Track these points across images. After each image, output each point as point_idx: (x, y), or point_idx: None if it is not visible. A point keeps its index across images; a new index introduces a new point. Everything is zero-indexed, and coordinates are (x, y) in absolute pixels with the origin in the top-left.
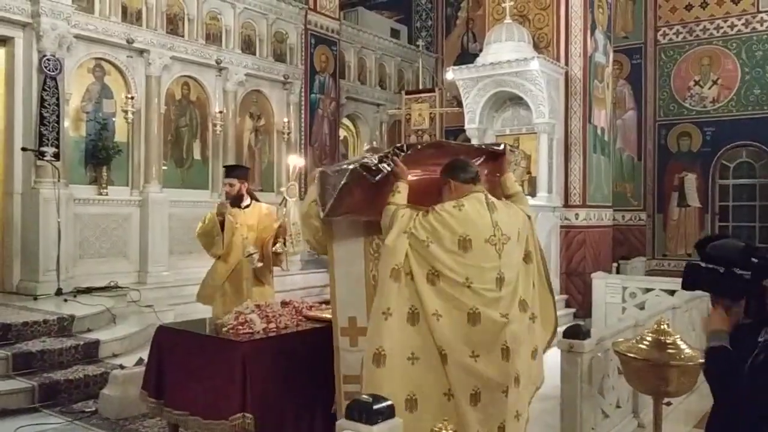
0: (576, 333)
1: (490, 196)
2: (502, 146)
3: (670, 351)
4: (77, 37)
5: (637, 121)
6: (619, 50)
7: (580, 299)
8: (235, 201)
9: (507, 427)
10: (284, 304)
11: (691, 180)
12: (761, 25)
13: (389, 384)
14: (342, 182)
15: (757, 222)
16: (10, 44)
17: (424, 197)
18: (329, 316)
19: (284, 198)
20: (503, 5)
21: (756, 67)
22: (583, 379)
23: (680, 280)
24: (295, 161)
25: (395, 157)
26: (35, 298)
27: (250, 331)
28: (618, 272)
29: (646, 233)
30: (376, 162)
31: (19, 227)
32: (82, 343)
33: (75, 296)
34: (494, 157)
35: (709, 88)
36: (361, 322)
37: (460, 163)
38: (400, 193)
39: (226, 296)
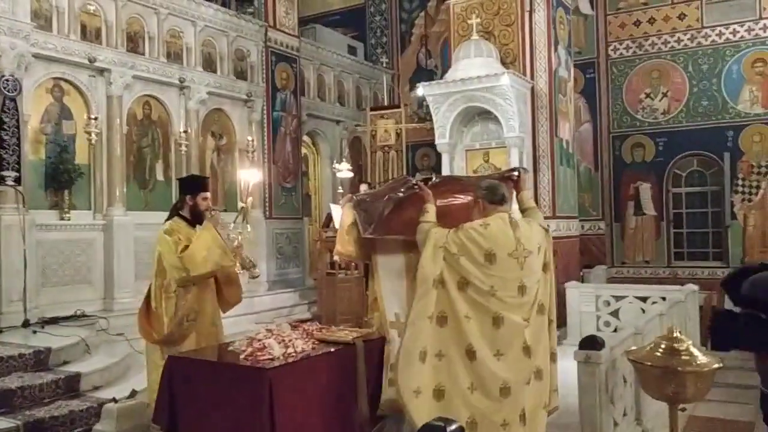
0: (592, 343)
1: (513, 215)
2: (516, 172)
3: (684, 357)
4: (35, 56)
5: (593, 133)
6: (573, 65)
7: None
8: (197, 218)
9: (528, 416)
10: (294, 327)
11: (645, 189)
12: (706, 40)
13: (425, 377)
14: (385, 212)
15: (710, 227)
16: None
17: (446, 220)
18: (341, 337)
19: (243, 212)
20: (470, 22)
21: (703, 79)
22: (601, 390)
23: (648, 285)
24: (249, 176)
25: (420, 182)
26: (1, 331)
27: (270, 356)
28: (582, 281)
29: (605, 242)
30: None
31: None
32: (62, 377)
33: (43, 327)
34: (506, 179)
35: (660, 100)
36: (402, 318)
37: (492, 187)
38: (429, 213)
39: (200, 335)
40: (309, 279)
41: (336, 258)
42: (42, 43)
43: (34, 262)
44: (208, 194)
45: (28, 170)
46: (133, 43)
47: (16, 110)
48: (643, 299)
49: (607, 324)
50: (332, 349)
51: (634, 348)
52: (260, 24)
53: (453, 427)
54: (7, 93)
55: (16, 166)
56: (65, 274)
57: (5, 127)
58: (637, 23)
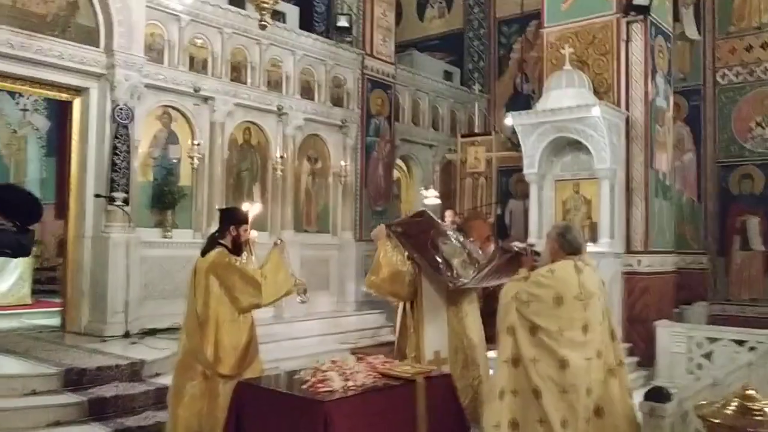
0: (659, 395)
1: (579, 262)
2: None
3: (757, 418)
4: (147, 86)
5: (696, 163)
6: (676, 92)
7: (643, 347)
8: (237, 249)
9: None
10: (359, 359)
11: (754, 223)
12: None
13: (503, 412)
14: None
15: None
16: (85, 94)
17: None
18: (403, 372)
19: (249, 245)
20: (562, 52)
21: None
22: None
23: (751, 330)
24: (252, 209)
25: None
26: (104, 340)
27: (330, 389)
28: (680, 317)
29: (707, 277)
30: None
31: (88, 270)
32: (153, 388)
33: (142, 338)
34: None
35: None
36: (443, 354)
37: (570, 235)
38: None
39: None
40: None
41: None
42: (153, 74)
43: (138, 277)
44: (248, 227)
45: (137, 191)
46: (236, 72)
47: (128, 136)
48: (740, 343)
49: (700, 367)
50: (393, 384)
51: (704, 402)
52: (357, 52)
53: None
54: (120, 121)
55: (126, 188)
56: (165, 288)
57: (117, 152)
58: (749, 48)
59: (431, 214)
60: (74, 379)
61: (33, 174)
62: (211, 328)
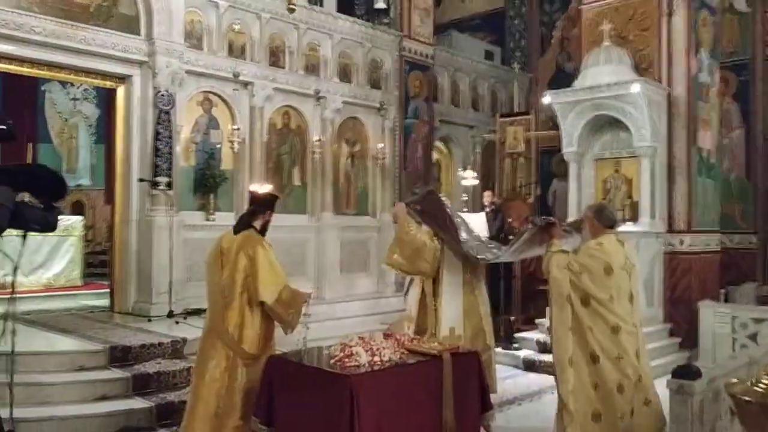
0: (686, 373)
1: (620, 236)
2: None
3: None
4: (188, 72)
5: (745, 140)
6: (724, 67)
7: (686, 328)
8: (264, 233)
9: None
10: (386, 336)
11: None
12: None
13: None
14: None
15: None
16: (128, 82)
17: None
18: (430, 349)
19: None
20: (601, 28)
21: None
22: (694, 422)
23: None
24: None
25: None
26: (149, 320)
27: (357, 363)
28: (726, 298)
29: (757, 257)
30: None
31: (134, 253)
32: (193, 365)
33: (185, 318)
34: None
35: None
36: (458, 331)
37: (607, 211)
38: (555, 245)
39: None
40: None
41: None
42: (193, 60)
43: (182, 259)
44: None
45: (180, 176)
46: (275, 57)
47: (170, 122)
48: None
49: (744, 348)
50: (419, 360)
51: (735, 380)
52: (395, 34)
53: None
54: (162, 107)
55: (168, 172)
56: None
57: (160, 137)
58: None
59: (438, 195)
60: (119, 356)
61: (84, 161)
62: (237, 307)
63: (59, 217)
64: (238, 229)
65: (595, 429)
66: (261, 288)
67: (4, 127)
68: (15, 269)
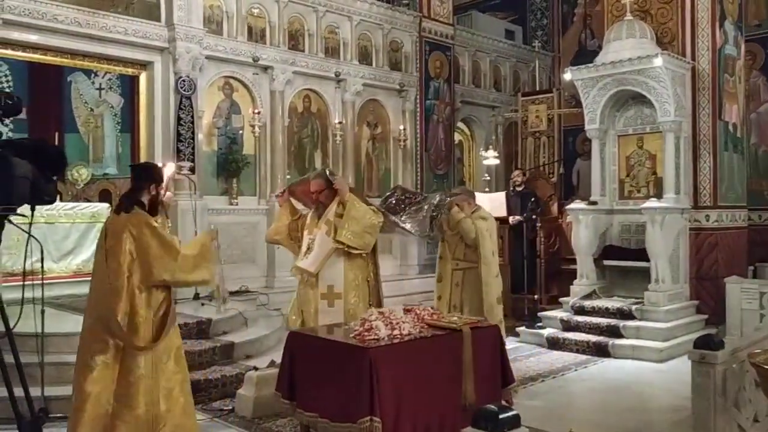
0: (707, 343)
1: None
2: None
3: None
4: (208, 57)
5: None
6: (751, 39)
7: (713, 305)
8: (154, 210)
9: None
10: (407, 311)
11: None
12: None
13: None
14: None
15: None
16: (150, 68)
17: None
18: (450, 323)
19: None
20: (623, 2)
21: None
22: (717, 392)
23: None
24: (167, 169)
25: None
26: (175, 302)
27: (376, 337)
28: (755, 275)
29: None
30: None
31: None
32: (219, 345)
33: (210, 300)
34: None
35: None
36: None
37: (469, 192)
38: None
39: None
40: None
41: None
42: (213, 45)
43: None
44: (165, 186)
45: (203, 160)
46: (294, 40)
47: (191, 107)
48: None
49: None
50: (439, 334)
51: (759, 351)
52: (414, 15)
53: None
54: (183, 92)
55: (191, 157)
56: (233, 253)
57: (182, 122)
58: None
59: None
60: None
61: (109, 150)
62: (125, 294)
63: (86, 204)
64: (118, 207)
65: None
66: (155, 268)
67: (11, 101)
68: (41, 254)
